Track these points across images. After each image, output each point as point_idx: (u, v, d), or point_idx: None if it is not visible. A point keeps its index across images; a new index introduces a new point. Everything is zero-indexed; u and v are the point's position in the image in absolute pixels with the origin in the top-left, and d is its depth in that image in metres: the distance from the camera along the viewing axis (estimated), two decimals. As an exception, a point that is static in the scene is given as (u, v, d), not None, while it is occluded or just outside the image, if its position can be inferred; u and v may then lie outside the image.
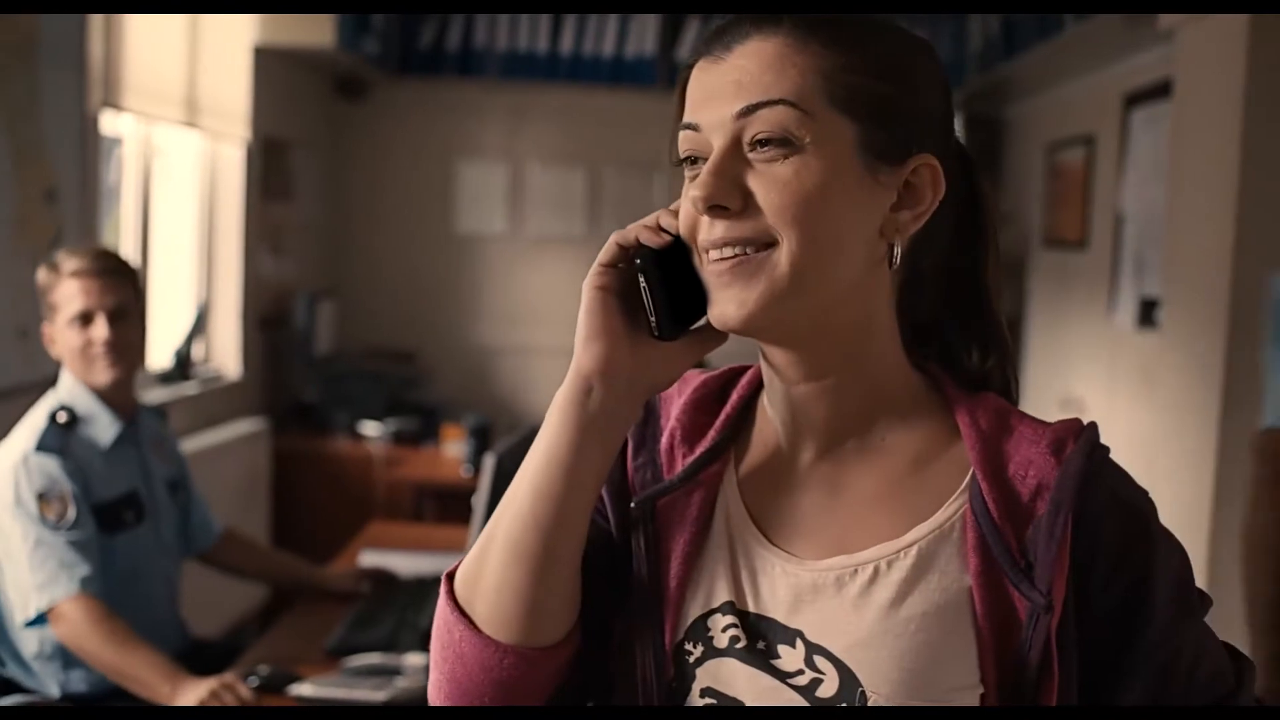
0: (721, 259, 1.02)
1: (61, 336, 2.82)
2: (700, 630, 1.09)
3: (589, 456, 1.06)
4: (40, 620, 2.64)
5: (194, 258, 5.34)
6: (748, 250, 1.01)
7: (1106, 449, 1.06)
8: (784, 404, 1.10)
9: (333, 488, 5.51)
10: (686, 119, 1.06)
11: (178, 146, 5.18)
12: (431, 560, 3.33)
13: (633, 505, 1.13)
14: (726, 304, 1.02)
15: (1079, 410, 5.27)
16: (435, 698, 1.13)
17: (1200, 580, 1.08)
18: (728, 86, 1.03)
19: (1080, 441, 1.04)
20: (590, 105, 6.76)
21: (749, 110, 1.01)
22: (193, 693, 2.43)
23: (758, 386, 1.16)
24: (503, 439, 3.79)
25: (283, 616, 3.15)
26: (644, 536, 1.12)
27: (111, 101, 4.17)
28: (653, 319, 1.05)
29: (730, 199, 1.01)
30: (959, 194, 1.11)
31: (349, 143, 6.76)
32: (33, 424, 2.75)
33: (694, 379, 1.19)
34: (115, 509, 2.82)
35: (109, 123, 4.28)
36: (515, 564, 1.07)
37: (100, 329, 2.79)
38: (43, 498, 2.65)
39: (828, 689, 1.04)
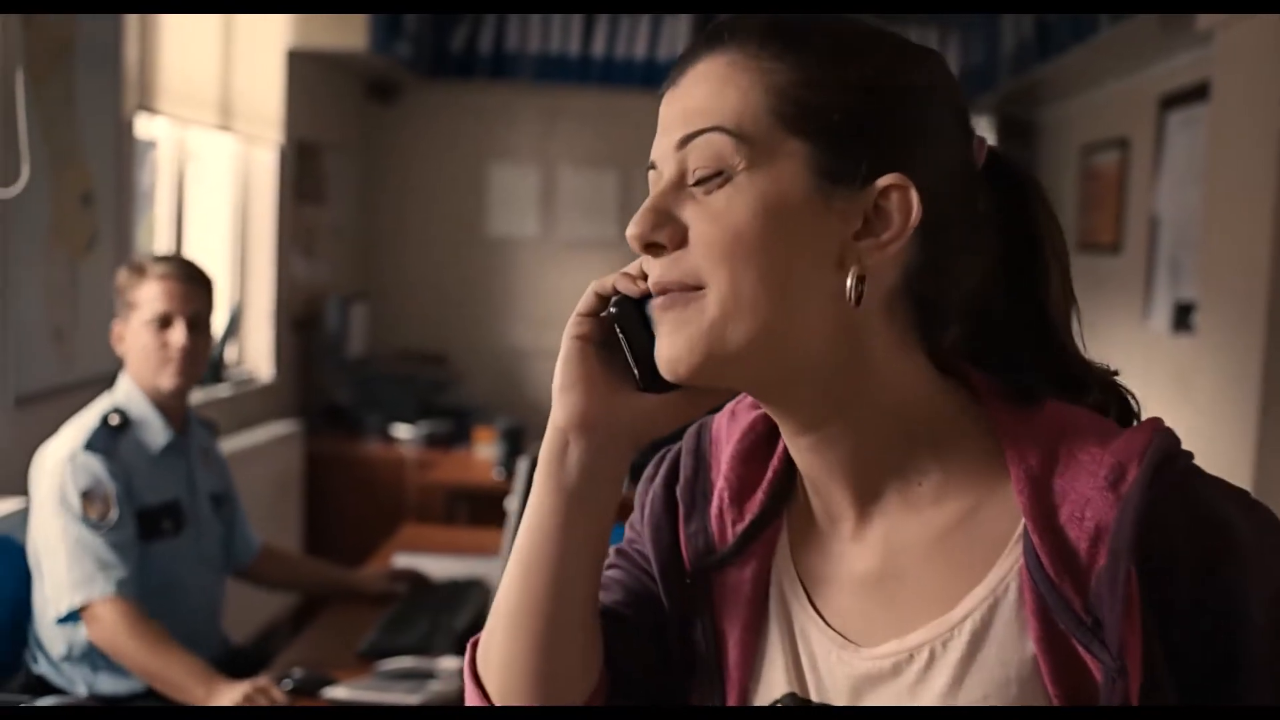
0: (660, 302, 0.94)
1: (134, 336, 2.84)
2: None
3: (574, 519, 1.00)
4: (72, 618, 2.65)
5: (227, 261, 5.36)
6: (681, 292, 0.92)
7: (1179, 462, 0.90)
8: (800, 460, 1.01)
9: (364, 490, 5.52)
10: (650, 158, 0.98)
11: (211, 150, 5.20)
12: (464, 563, 3.33)
13: (687, 581, 1.06)
14: (662, 350, 0.94)
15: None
16: None
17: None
18: (675, 117, 0.95)
19: (1141, 470, 0.88)
20: (622, 108, 6.75)
21: (684, 142, 0.93)
22: (227, 695, 2.44)
23: None
24: (534, 442, 3.79)
25: (316, 619, 3.15)
26: (700, 615, 1.05)
27: (146, 105, 4.19)
28: (634, 370, 0.98)
29: (661, 235, 0.93)
30: (1007, 220, 1.01)
31: (381, 145, 6.78)
32: (84, 423, 2.77)
33: (745, 417, 1.08)
34: (155, 516, 2.82)
35: (144, 126, 4.31)
36: (516, 638, 1.01)
37: (178, 334, 2.82)
38: (86, 496, 2.66)
39: None
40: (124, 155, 4.01)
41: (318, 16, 5.40)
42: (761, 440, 1.06)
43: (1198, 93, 4.34)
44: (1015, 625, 0.90)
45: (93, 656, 2.70)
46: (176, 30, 4.38)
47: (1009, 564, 0.92)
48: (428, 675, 2.53)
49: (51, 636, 2.73)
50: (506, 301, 6.87)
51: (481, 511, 4.75)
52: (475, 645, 1.07)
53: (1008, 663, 0.90)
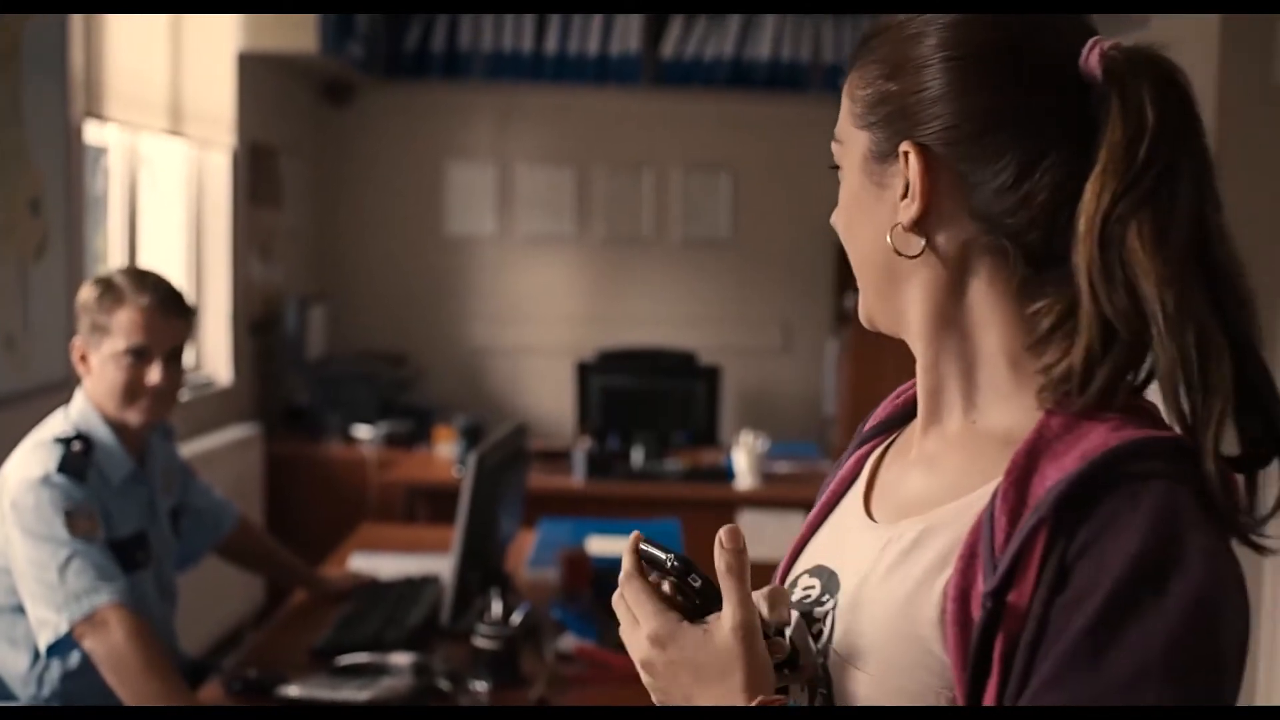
0: None
1: (103, 364, 2.62)
2: (792, 588, 1.16)
3: None
4: (59, 648, 2.44)
5: (183, 265, 5.36)
6: None
7: (1149, 466, 0.93)
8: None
9: (325, 491, 5.54)
10: None
11: (163, 155, 5.19)
12: (420, 561, 3.34)
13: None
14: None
15: None
16: None
17: None
18: None
19: (1102, 451, 0.93)
20: (577, 104, 6.78)
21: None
22: None
23: None
24: (490, 437, 3.81)
25: (274, 618, 3.16)
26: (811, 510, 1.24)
27: (94, 111, 4.18)
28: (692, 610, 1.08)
29: (834, 220, 1.14)
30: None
31: (336, 147, 6.78)
32: (46, 444, 2.57)
33: None
34: (128, 548, 2.64)
35: (94, 132, 4.30)
36: None
37: (155, 373, 2.62)
38: (70, 515, 2.46)
39: (812, 594, 1.12)
40: (73, 161, 4.00)
41: (268, 19, 5.40)
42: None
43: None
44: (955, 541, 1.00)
45: (69, 693, 2.52)
46: (124, 35, 4.37)
47: (983, 494, 1.01)
48: (380, 670, 2.55)
49: (20, 679, 2.53)
50: (465, 300, 6.88)
51: (441, 509, 4.76)
52: None
53: (935, 564, 1.00)
